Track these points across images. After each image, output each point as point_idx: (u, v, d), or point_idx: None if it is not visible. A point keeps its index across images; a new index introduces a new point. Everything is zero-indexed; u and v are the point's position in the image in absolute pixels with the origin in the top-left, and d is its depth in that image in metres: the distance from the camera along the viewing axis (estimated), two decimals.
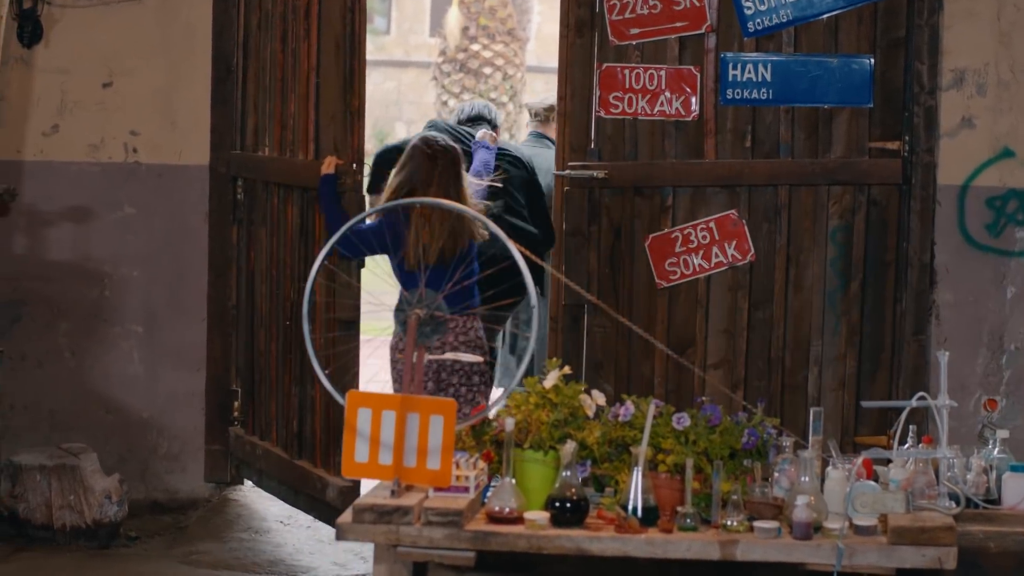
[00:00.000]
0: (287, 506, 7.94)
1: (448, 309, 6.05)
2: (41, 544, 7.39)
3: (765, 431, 5.59)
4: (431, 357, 6.94)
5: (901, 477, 5.53)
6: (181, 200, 8.07)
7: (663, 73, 7.58)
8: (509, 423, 5.41)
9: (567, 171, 7.61)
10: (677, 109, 7.60)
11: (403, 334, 5.56)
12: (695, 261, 7.62)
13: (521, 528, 5.28)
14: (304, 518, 7.91)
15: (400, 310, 5.62)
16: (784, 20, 7.55)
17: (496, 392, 7.84)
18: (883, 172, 7.58)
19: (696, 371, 7.47)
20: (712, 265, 7.62)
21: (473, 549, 5.26)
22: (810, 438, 5.62)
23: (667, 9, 7.57)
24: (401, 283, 6.92)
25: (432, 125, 8.77)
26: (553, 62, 8.11)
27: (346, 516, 5.29)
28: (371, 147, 15.37)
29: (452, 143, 7.10)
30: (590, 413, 5.66)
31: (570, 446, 5.38)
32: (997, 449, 5.94)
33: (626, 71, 7.59)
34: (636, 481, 5.33)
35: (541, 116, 9.21)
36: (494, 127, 8.87)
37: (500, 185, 7.82)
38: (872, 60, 7.55)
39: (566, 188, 7.61)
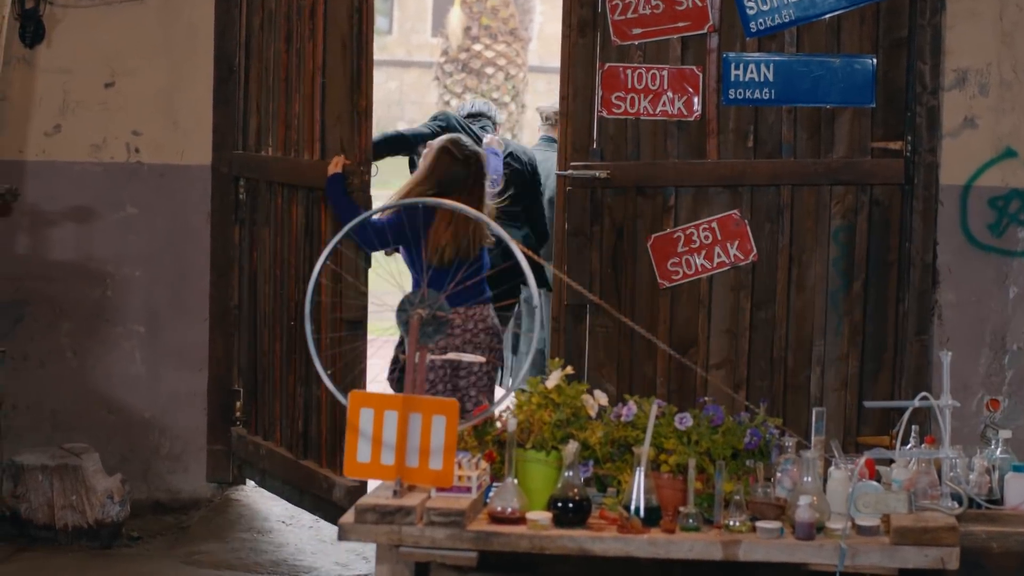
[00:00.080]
0: (289, 506, 7.94)
1: (451, 307, 6.17)
2: (43, 544, 7.39)
3: (767, 431, 5.59)
4: (433, 357, 6.96)
5: (904, 477, 5.53)
6: (183, 200, 8.07)
7: (665, 73, 7.58)
8: (511, 423, 5.41)
9: (569, 171, 7.60)
10: (679, 109, 7.59)
11: (406, 334, 5.55)
12: (697, 261, 7.61)
13: (523, 528, 5.27)
14: (306, 518, 7.91)
15: (402, 310, 5.61)
16: (786, 20, 7.55)
17: (498, 392, 7.85)
18: (885, 172, 7.57)
19: (698, 371, 7.46)
20: (714, 265, 7.62)
21: (475, 549, 5.25)
22: (812, 438, 5.62)
23: (669, 9, 7.56)
24: (415, 277, 7.01)
25: (444, 118, 8.80)
26: (555, 62, 8.11)
27: (348, 516, 5.29)
28: None
29: (476, 146, 7.25)
30: (592, 413, 5.66)
31: (572, 446, 5.38)
32: (1000, 449, 5.94)
33: (628, 71, 7.59)
34: (638, 481, 5.33)
35: (552, 120, 9.22)
36: (494, 124, 8.91)
37: (508, 193, 7.94)
38: (874, 60, 7.54)
39: (568, 188, 7.61)
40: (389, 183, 8.16)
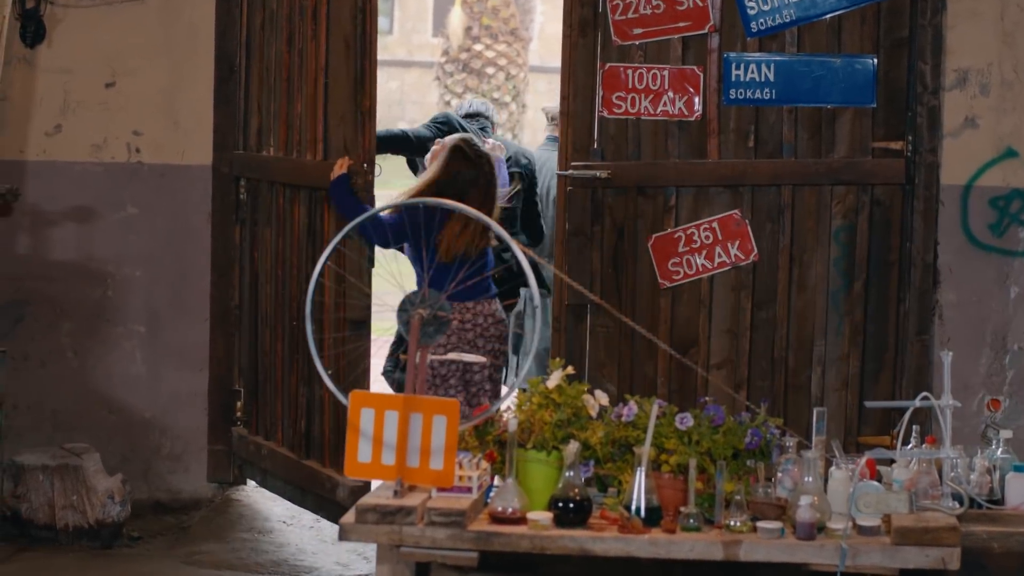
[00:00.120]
0: (290, 506, 7.94)
1: (460, 302, 6.39)
2: (44, 544, 7.39)
3: (768, 431, 5.59)
4: (433, 358, 6.97)
5: (905, 477, 5.53)
6: (184, 200, 8.07)
7: (666, 73, 7.58)
8: (512, 423, 5.41)
9: (570, 171, 7.60)
10: (680, 109, 7.59)
11: (406, 334, 5.56)
12: (698, 261, 7.61)
13: (524, 528, 5.27)
14: (307, 518, 7.91)
15: (403, 310, 5.61)
16: (787, 20, 7.54)
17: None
18: (886, 172, 7.57)
19: (699, 371, 7.46)
20: (715, 265, 7.61)
21: (476, 549, 5.26)
22: (813, 438, 5.62)
23: (670, 9, 7.56)
24: (419, 274, 7.03)
25: (444, 119, 8.80)
26: (556, 62, 8.11)
27: (349, 516, 5.29)
28: None
29: (486, 148, 7.42)
30: (593, 413, 5.66)
31: (573, 446, 5.38)
32: (1001, 449, 5.94)
33: (629, 71, 7.59)
34: (639, 481, 5.33)
35: (558, 120, 9.23)
36: (492, 124, 8.94)
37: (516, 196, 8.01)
38: (875, 60, 7.54)
39: (569, 188, 7.61)
40: (390, 183, 8.16)
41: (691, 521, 5.28)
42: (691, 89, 7.58)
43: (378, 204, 7.21)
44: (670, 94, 7.58)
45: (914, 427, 5.75)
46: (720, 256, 7.61)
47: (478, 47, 27.55)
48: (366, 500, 5.33)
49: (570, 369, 5.74)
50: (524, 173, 8.75)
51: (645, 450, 5.35)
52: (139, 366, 8.10)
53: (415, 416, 5.32)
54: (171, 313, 8.10)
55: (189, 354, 8.09)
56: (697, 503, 5.35)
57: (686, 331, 7.63)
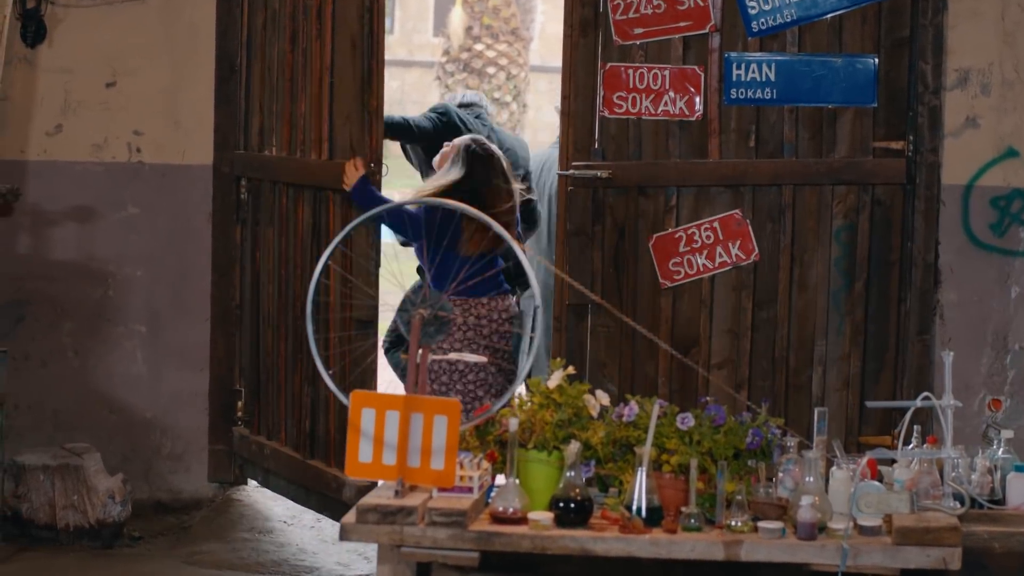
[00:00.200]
0: (291, 506, 7.94)
1: (474, 297, 6.61)
2: (44, 544, 7.39)
3: (769, 431, 5.59)
4: (435, 358, 6.97)
5: (906, 477, 5.53)
6: (184, 200, 8.07)
7: (667, 73, 7.58)
8: (513, 423, 5.41)
9: (571, 171, 7.60)
10: (681, 109, 7.59)
11: (407, 334, 5.56)
12: (699, 261, 7.61)
13: (525, 528, 5.27)
14: (308, 518, 7.91)
15: (404, 310, 5.62)
16: (788, 20, 7.54)
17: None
18: (887, 172, 7.57)
19: (700, 371, 7.46)
20: (716, 265, 7.61)
21: (477, 549, 5.25)
22: (814, 438, 5.62)
23: (671, 9, 7.56)
24: (429, 271, 7.04)
25: (444, 109, 8.79)
26: (557, 62, 8.10)
27: (350, 516, 5.29)
28: None
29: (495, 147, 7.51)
30: (594, 413, 5.66)
31: (574, 446, 5.38)
32: (1002, 449, 5.94)
33: (630, 71, 7.58)
34: (640, 481, 5.33)
35: None
36: (486, 112, 8.96)
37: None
38: (876, 60, 7.54)
39: (570, 188, 7.60)
40: (391, 183, 8.16)
41: (692, 521, 5.27)
42: (692, 89, 7.57)
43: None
44: (671, 94, 7.58)
45: (915, 427, 5.75)
46: (721, 256, 7.60)
47: (479, 47, 27.57)
48: (367, 500, 5.33)
49: (571, 369, 5.74)
50: (526, 176, 8.76)
51: (646, 450, 5.35)
52: (140, 366, 8.10)
53: (416, 416, 5.32)
54: (172, 313, 8.10)
55: (190, 354, 8.09)
56: (698, 503, 5.35)
57: (687, 331, 7.63)
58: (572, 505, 5.30)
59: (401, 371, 8.26)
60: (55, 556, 7.26)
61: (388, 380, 8.38)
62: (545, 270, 7.98)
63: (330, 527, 7.66)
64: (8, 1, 7.61)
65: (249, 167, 8.03)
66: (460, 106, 8.91)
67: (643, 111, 7.59)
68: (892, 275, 7.61)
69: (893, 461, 5.67)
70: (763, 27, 7.55)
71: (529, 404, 5.61)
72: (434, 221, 6.96)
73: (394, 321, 7.41)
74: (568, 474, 5.35)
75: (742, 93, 7.56)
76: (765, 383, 7.59)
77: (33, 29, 7.91)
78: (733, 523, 5.27)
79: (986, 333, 7.67)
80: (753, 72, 7.55)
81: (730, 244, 7.60)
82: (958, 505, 5.49)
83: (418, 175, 8.81)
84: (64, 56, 7.98)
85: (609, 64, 7.59)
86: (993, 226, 7.66)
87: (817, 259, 7.61)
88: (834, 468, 5.54)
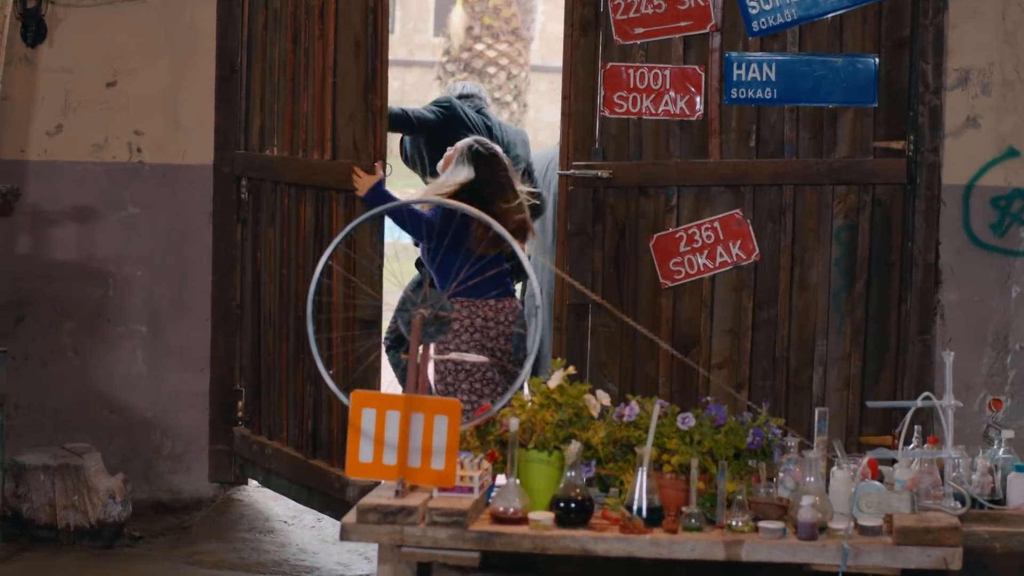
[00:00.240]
0: (291, 506, 7.94)
1: (481, 298, 6.70)
2: (45, 544, 7.38)
3: (770, 431, 5.59)
4: (436, 357, 6.97)
5: (906, 477, 5.53)
6: (185, 200, 8.07)
7: (668, 73, 7.58)
8: (513, 423, 5.41)
9: (571, 171, 7.60)
10: (682, 109, 7.59)
11: (407, 334, 5.55)
12: (700, 261, 7.61)
13: (525, 528, 5.27)
14: (309, 518, 7.91)
15: (404, 310, 5.61)
16: (789, 19, 7.54)
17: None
18: (888, 172, 7.57)
19: (701, 371, 7.46)
20: (717, 265, 7.61)
21: (477, 549, 5.25)
22: (815, 438, 5.62)
23: (672, 8, 7.55)
24: (434, 271, 7.05)
25: (447, 103, 8.79)
26: (557, 61, 8.10)
27: (350, 516, 5.29)
28: None
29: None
30: (595, 413, 5.66)
31: (575, 446, 5.38)
32: (1002, 449, 5.94)
33: (630, 71, 7.58)
34: (641, 481, 5.33)
35: None
36: (485, 103, 8.97)
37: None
38: (877, 60, 7.54)
39: (570, 188, 7.60)
40: (392, 184, 8.15)
41: (693, 521, 5.27)
42: (692, 89, 7.57)
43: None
44: (671, 94, 7.58)
45: (916, 427, 5.75)
46: (721, 256, 7.60)
47: (479, 47, 27.58)
48: (367, 500, 5.32)
49: (571, 369, 5.74)
50: (527, 169, 8.77)
51: (647, 450, 5.34)
52: (140, 366, 8.10)
53: (416, 416, 5.32)
54: (172, 313, 8.09)
55: (190, 354, 8.09)
56: (699, 503, 5.35)
57: (687, 331, 7.63)
58: (573, 505, 5.30)
59: (401, 371, 8.26)
60: (55, 556, 7.26)
61: (389, 380, 8.38)
62: (548, 270, 7.99)
63: (331, 527, 7.66)
64: (8, 1, 7.61)
65: (250, 167, 8.03)
66: (460, 97, 8.91)
67: (644, 111, 7.59)
68: (893, 275, 7.61)
69: (894, 461, 5.67)
70: (764, 27, 7.55)
71: (530, 404, 5.61)
72: (448, 222, 6.97)
73: (394, 320, 7.42)
74: (569, 474, 5.35)
75: (743, 93, 7.56)
76: (766, 383, 7.59)
77: (33, 29, 7.91)
78: (734, 523, 5.27)
79: (987, 333, 7.67)
80: (754, 72, 7.55)
81: (731, 244, 7.59)
82: (959, 505, 5.48)
83: (419, 176, 8.80)
84: (64, 56, 7.98)
85: (610, 64, 7.58)
86: (994, 226, 7.66)
87: (818, 259, 7.60)
88: (835, 468, 5.53)
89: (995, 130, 7.62)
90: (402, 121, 8.58)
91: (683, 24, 7.57)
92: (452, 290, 6.88)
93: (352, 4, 7.28)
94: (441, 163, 7.87)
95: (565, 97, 7.64)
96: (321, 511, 7.72)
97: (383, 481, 5.50)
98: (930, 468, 5.57)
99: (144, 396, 8.09)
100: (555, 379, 5.67)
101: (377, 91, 7.23)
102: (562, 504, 5.31)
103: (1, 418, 7.31)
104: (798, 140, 7.57)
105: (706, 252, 7.61)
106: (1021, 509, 5.69)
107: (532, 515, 5.29)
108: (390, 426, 5.33)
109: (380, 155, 7.25)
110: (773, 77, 7.55)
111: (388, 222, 7.31)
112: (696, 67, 7.57)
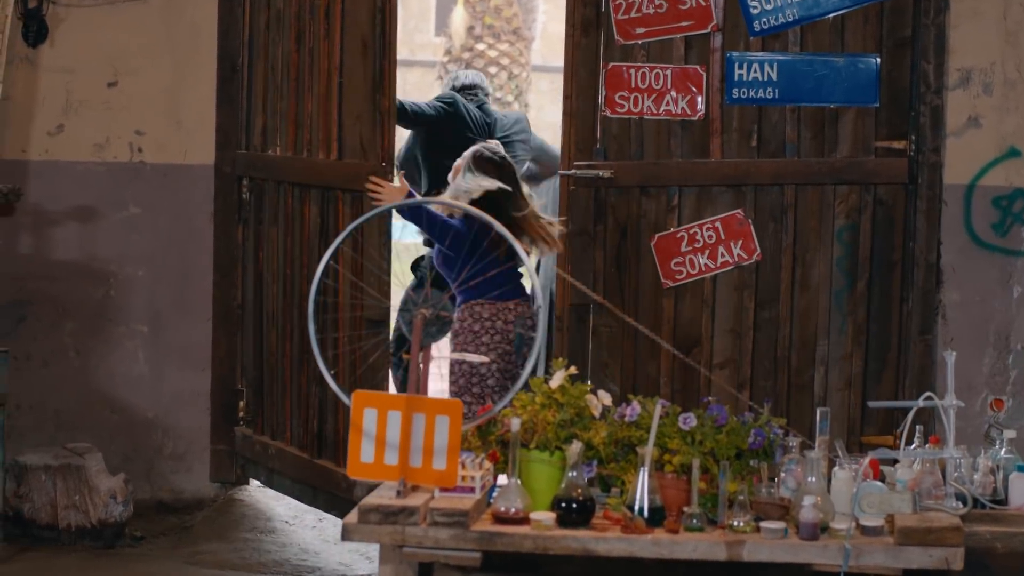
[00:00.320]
0: (292, 506, 7.94)
1: (502, 300, 6.73)
2: (46, 544, 7.38)
3: (771, 431, 5.59)
4: (437, 357, 6.96)
5: (908, 477, 5.53)
6: (186, 200, 8.07)
7: (669, 72, 7.57)
8: (515, 423, 5.41)
9: (573, 171, 7.59)
10: (683, 108, 7.58)
11: (408, 334, 5.55)
12: (701, 260, 7.61)
13: (527, 528, 5.27)
14: (310, 518, 7.91)
15: (405, 310, 5.61)
16: (790, 19, 7.54)
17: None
18: (889, 171, 7.57)
19: (702, 371, 7.46)
20: (718, 264, 7.61)
21: (479, 549, 5.25)
22: (816, 438, 5.62)
23: (673, 8, 7.55)
24: (448, 276, 7.10)
25: (451, 100, 8.78)
26: (558, 61, 8.10)
27: (352, 516, 5.29)
28: None
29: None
30: (596, 413, 5.66)
31: (576, 446, 5.38)
32: (1004, 449, 5.94)
33: (632, 70, 7.58)
34: (642, 481, 5.33)
35: None
36: (486, 95, 8.97)
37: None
38: (878, 59, 7.53)
39: (572, 188, 7.60)
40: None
41: (694, 521, 5.27)
42: (694, 88, 7.57)
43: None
44: (673, 93, 7.58)
45: (917, 427, 5.75)
46: (723, 256, 7.60)
47: (480, 46, 27.55)
48: (369, 500, 5.32)
49: (573, 369, 5.74)
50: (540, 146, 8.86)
51: (648, 450, 5.34)
52: (141, 366, 8.10)
53: (418, 416, 5.32)
54: (173, 313, 8.09)
55: (191, 354, 8.09)
56: (700, 503, 5.35)
57: (689, 331, 7.62)
58: (574, 505, 5.30)
59: (402, 372, 8.25)
60: (57, 556, 7.26)
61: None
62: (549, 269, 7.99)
63: (332, 527, 7.66)
64: (10, 1, 7.61)
65: (252, 167, 8.03)
66: (461, 88, 8.89)
67: (645, 111, 7.59)
68: (894, 275, 7.60)
69: (895, 461, 5.67)
70: (765, 27, 7.55)
71: (531, 404, 5.60)
72: (473, 228, 6.96)
73: (396, 321, 7.42)
74: (570, 474, 5.35)
75: (744, 93, 7.56)
76: (767, 383, 7.58)
77: (35, 29, 7.91)
78: (735, 523, 5.27)
79: (988, 333, 7.66)
80: (755, 72, 7.55)
81: (732, 244, 7.59)
82: (960, 505, 5.48)
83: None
84: (66, 56, 7.98)
85: (611, 64, 7.58)
86: (995, 226, 7.66)
87: (819, 259, 7.60)
88: (836, 468, 5.53)
89: (996, 130, 7.61)
90: (398, 113, 8.58)
91: (684, 24, 7.57)
92: (458, 290, 6.92)
93: (359, 4, 7.28)
94: (451, 174, 7.84)
95: (566, 97, 7.64)
96: (327, 511, 7.71)
97: (385, 481, 5.50)
98: (932, 468, 5.57)
99: (145, 396, 8.09)
100: (557, 379, 5.67)
101: (385, 91, 7.22)
102: (564, 504, 5.31)
103: (2, 418, 7.31)
104: (799, 140, 7.57)
105: (707, 252, 7.60)
106: (1023, 509, 5.68)
107: (534, 515, 5.29)
108: (392, 426, 5.33)
109: (388, 155, 7.23)
110: (774, 77, 7.54)
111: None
112: (697, 67, 7.57)
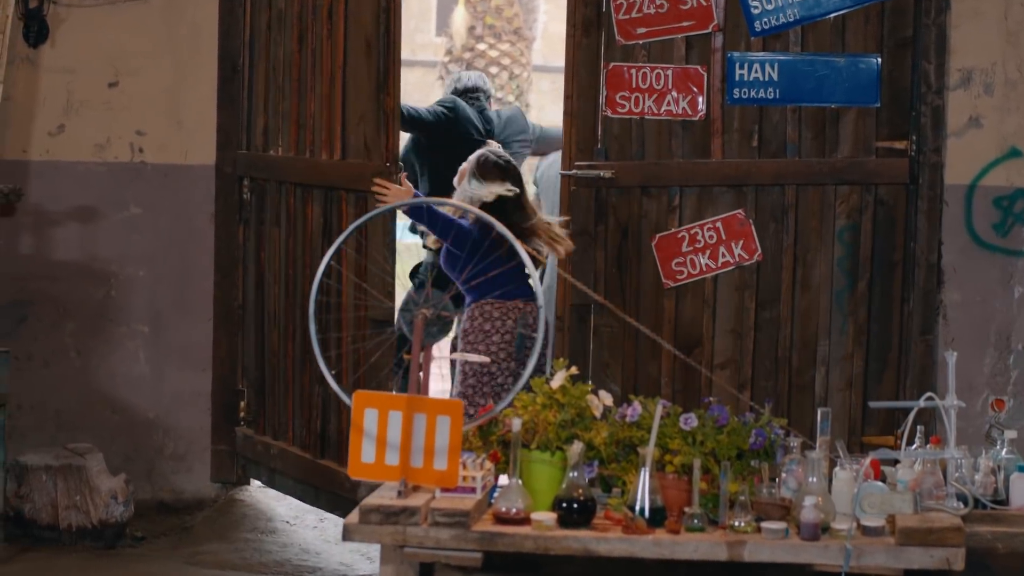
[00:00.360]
0: (293, 507, 7.94)
1: (511, 299, 6.76)
2: (47, 544, 7.38)
3: (772, 431, 5.59)
4: (438, 357, 6.96)
5: (909, 478, 5.53)
6: (187, 200, 8.07)
7: (670, 72, 7.57)
8: (516, 424, 5.41)
9: (574, 171, 7.59)
10: (684, 109, 7.58)
11: (410, 334, 5.55)
12: (702, 261, 7.61)
13: (528, 529, 5.27)
14: (311, 518, 7.91)
15: (407, 310, 5.62)
16: (791, 19, 7.54)
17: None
18: (890, 172, 7.57)
19: (703, 371, 7.46)
20: (719, 265, 7.61)
21: (480, 550, 5.25)
22: (817, 438, 5.61)
23: (674, 8, 7.55)
24: (455, 277, 7.11)
25: (451, 104, 8.78)
26: (559, 62, 8.10)
27: (353, 517, 5.29)
28: None
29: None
30: (597, 413, 5.66)
31: (577, 447, 5.37)
32: (1005, 449, 5.94)
33: (633, 70, 7.58)
34: (643, 482, 5.33)
35: None
36: (488, 97, 8.96)
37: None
38: (879, 59, 7.53)
39: (573, 188, 7.60)
40: None
41: (695, 521, 5.27)
42: (695, 89, 7.57)
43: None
44: (674, 94, 7.58)
45: (918, 427, 5.75)
46: (724, 256, 7.60)
47: (481, 46, 27.53)
48: (370, 500, 5.32)
49: (574, 369, 5.74)
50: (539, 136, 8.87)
51: (649, 450, 5.34)
52: (142, 366, 8.10)
53: (419, 416, 5.32)
54: (174, 313, 8.09)
55: (192, 354, 8.09)
56: (701, 503, 5.35)
57: (690, 331, 7.62)
58: (575, 505, 5.30)
59: (403, 372, 8.24)
60: (57, 556, 7.25)
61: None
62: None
63: (333, 528, 7.66)
64: (10, 1, 7.61)
65: (253, 167, 8.03)
66: (463, 91, 8.88)
67: (646, 111, 7.59)
68: (895, 275, 7.60)
69: (896, 461, 5.67)
70: (766, 27, 7.54)
71: (532, 404, 5.60)
72: (477, 226, 6.95)
73: (396, 321, 7.41)
74: (571, 474, 5.35)
75: (745, 93, 7.56)
76: (768, 383, 7.58)
77: (35, 29, 7.91)
78: (736, 523, 5.27)
79: (989, 333, 7.66)
80: (756, 72, 7.55)
81: (733, 244, 7.59)
82: (961, 505, 5.48)
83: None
84: (66, 56, 7.98)
85: (612, 64, 7.58)
86: (996, 226, 7.65)
87: (820, 259, 7.60)
88: (837, 468, 5.53)
89: (997, 130, 7.61)
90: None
91: (685, 24, 7.57)
92: (466, 290, 6.93)
93: (363, 5, 7.27)
94: (456, 178, 7.83)
95: (567, 97, 7.64)
96: (330, 511, 7.71)
97: (385, 482, 5.50)
98: (933, 468, 5.57)
99: (146, 396, 8.09)
100: (557, 379, 5.66)
101: (389, 91, 7.21)
102: (564, 504, 5.30)
103: (3, 418, 7.31)
104: (800, 140, 7.57)
105: (708, 252, 7.60)
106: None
107: (534, 515, 5.29)
108: (392, 426, 5.33)
109: (392, 155, 7.23)
110: (775, 77, 7.54)
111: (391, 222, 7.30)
112: (698, 67, 7.57)
